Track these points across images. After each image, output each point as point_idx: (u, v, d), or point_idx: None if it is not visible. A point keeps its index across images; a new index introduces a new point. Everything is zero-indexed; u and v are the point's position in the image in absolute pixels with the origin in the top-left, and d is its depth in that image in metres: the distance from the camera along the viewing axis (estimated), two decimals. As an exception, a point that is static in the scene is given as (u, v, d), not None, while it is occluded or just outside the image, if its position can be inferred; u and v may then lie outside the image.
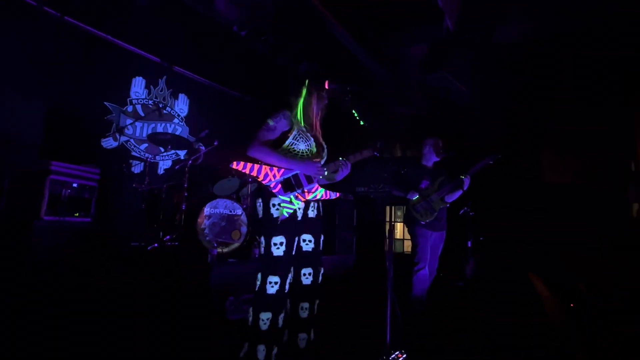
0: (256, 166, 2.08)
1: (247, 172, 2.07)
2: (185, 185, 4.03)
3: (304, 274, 2.15)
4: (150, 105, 5.40)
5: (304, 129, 2.20)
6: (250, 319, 2.00)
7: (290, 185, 2.10)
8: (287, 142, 2.13)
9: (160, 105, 5.52)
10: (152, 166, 4.97)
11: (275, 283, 2.01)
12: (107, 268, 3.40)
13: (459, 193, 3.54)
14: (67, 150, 4.17)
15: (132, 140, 5.27)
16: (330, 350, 2.49)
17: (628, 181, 5.20)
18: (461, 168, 3.49)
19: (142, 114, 5.31)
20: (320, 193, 2.18)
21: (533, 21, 4.67)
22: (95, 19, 4.62)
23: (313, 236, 2.18)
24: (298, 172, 2.14)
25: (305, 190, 2.13)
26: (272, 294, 2.00)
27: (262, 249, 2.06)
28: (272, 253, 2.03)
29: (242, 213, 4.32)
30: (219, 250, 4.07)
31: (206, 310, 3.15)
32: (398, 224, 7.09)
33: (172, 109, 5.79)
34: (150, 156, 5.16)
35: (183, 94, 5.94)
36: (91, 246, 3.64)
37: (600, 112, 5.40)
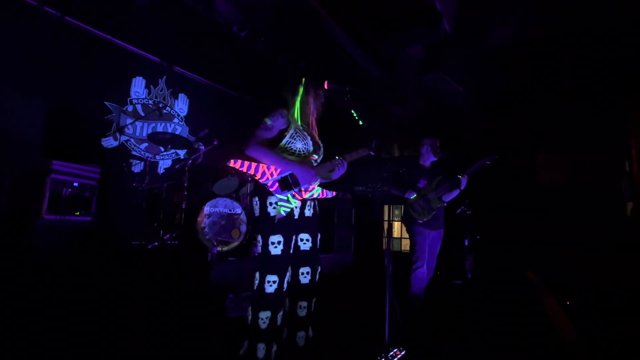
0: (254, 164, 2.07)
1: (245, 170, 2.06)
2: (185, 184, 4.05)
3: (302, 273, 2.15)
4: (150, 105, 5.42)
5: (301, 128, 2.20)
6: (250, 317, 2.01)
7: (287, 183, 2.09)
8: (284, 141, 2.12)
9: (160, 105, 5.55)
10: (152, 165, 4.98)
11: (274, 282, 2.01)
12: (107, 266, 3.42)
13: (456, 192, 3.56)
14: (68, 149, 4.18)
15: (132, 140, 5.29)
16: (329, 348, 2.49)
17: (622, 180, 5.25)
18: (458, 168, 3.52)
19: (142, 114, 5.34)
20: (317, 192, 2.19)
21: (531, 22, 4.69)
22: (95, 19, 4.63)
23: (310, 235, 2.19)
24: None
25: (302, 189, 2.13)
26: (270, 293, 2.00)
27: (260, 248, 2.06)
28: (269, 252, 2.03)
29: (241, 212, 4.35)
30: (219, 248, 4.10)
31: (206, 308, 3.16)
32: (396, 222, 7.13)
33: (172, 109, 5.80)
34: (150, 155, 5.19)
35: (183, 94, 5.96)
36: (92, 245, 3.66)
37: (594, 112, 5.44)
